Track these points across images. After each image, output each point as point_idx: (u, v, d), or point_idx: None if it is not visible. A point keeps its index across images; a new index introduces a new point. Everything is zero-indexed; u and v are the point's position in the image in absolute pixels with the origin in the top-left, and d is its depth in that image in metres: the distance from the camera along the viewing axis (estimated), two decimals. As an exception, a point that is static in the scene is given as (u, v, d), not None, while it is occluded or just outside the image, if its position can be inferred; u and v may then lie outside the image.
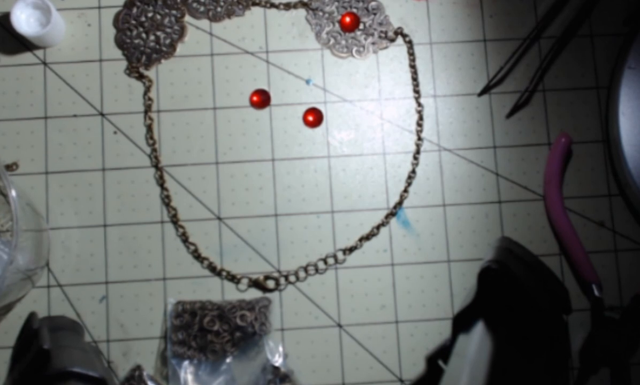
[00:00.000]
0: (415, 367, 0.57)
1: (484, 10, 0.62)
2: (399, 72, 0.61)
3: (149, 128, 0.59)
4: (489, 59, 0.61)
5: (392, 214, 0.59)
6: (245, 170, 0.59)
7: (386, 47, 0.61)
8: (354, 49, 0.61)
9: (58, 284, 0.57)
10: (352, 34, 0.61)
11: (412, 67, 0.61)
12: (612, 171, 0.60)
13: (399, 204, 0.59)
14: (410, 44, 0.61)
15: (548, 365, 0.52)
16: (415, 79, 0.61)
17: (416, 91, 0.61)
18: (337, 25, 0.61)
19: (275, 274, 0.58)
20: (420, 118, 0.60)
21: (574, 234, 0.58)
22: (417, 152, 0.60)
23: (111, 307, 0.57)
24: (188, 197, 0.59)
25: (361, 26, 0.61)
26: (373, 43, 0.61)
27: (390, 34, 0.61)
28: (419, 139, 0.60)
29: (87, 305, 0.57)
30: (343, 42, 0.61)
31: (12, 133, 0.59)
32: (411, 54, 0.61)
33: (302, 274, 0.58)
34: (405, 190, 0.59)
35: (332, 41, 0.61)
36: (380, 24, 0.61)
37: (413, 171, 0.60)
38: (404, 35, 0.61)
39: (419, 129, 0.60)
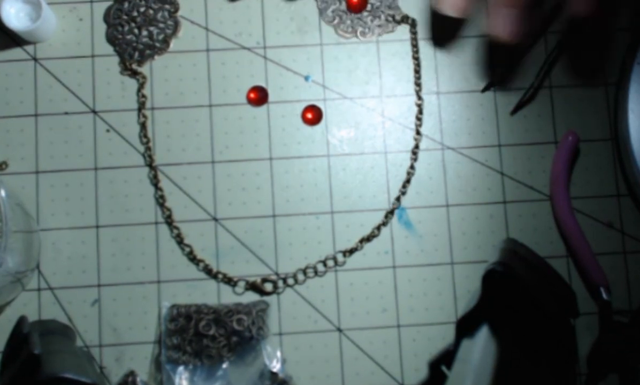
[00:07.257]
0: (418, 373, 0.56)
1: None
2: (401, 69, 0.60)
3: (143, 126, 0.59)
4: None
5: (393, 214, 0.58)
6: (242, 170, 0.58)
7: (392, 31, 0.60)
8: (359, 29, 0.60)
9: (49, 287, 0.57)
10: (358, 15, 0.60)
11: (416, 59, 0.60)
12: (621, 170, 0.59)
13: (401, 204, 0.58)
14: (414, 34, 0.60)
15: (554, 371, 0.52)
16: (417, 71, 0.60)
17: (417, 84, 0.60)
18: (343, 3, 0.60)
19: (273, 277, 0.57)
20: (420, 112, 0.59)
21: (581, 235, 0.57)
22: (416, 147, 0.59)
23: (104, 311, 0.57)
24: (183, 197, 0.58)
25: (368, 7, 0.60)
26: (379, 26, 0.60)
27: (398, 17, 0.60)
28: (418, 133, 0.59)
29: (78, 309, 0.57)
30: (348, 21, 0.60)
31: (1, 131, 0.58)
32: (414, 46, 0.60)
33: (300, 277, 0.57)
34: (407, 190, 0.58)
35: (336, 20, 0.60)
36: (389, 7, 0.60)
37: (411, 167, 0.58)
38: (410, 21, 0.60)
39: (417, 123, 0.59)
